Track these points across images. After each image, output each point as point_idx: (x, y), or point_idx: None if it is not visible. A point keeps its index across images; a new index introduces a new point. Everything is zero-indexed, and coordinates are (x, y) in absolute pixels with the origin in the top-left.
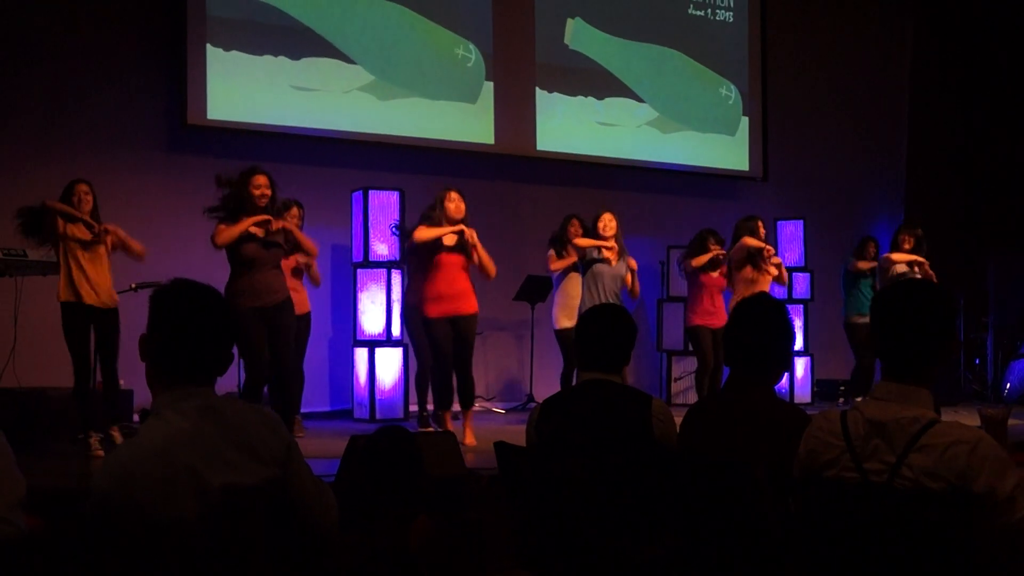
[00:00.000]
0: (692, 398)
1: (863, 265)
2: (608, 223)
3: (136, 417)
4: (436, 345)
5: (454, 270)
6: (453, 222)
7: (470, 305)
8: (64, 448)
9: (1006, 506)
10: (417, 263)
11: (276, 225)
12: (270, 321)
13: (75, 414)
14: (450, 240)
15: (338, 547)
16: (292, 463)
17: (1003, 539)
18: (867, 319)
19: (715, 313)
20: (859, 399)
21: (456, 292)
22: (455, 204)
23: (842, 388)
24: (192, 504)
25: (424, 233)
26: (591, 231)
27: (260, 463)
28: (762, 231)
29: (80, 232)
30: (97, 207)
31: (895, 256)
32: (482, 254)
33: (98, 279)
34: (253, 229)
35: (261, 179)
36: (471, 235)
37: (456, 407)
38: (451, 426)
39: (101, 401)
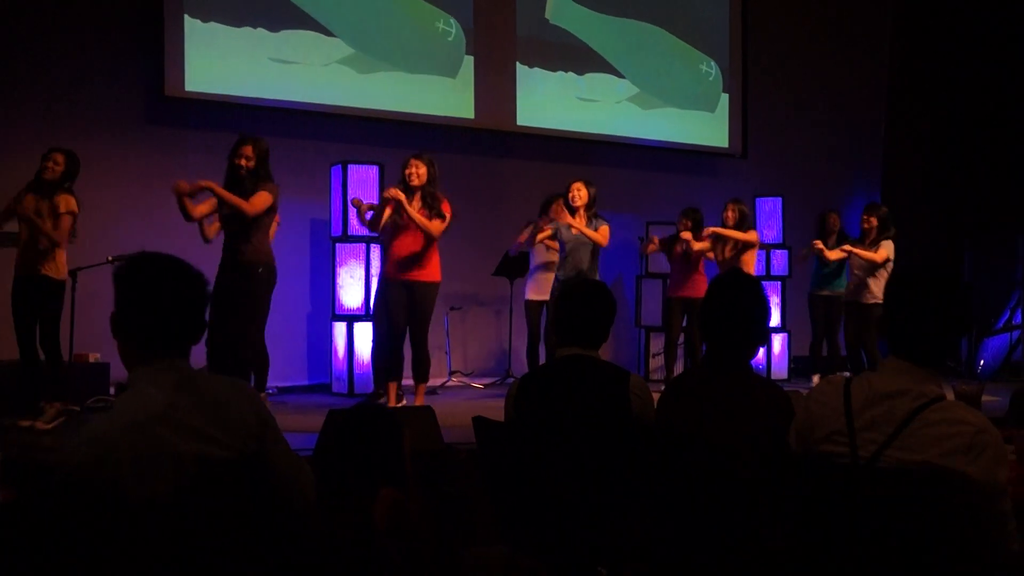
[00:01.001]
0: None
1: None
2: (577, 192)
3: (112, 391)
4: (386, 307)
5: (412, 237)
6: (411, 189)
7: (430, 273)
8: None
9: (996, 495)
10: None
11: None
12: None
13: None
14: (387, 211)
15: (314, 522)
16: (268, 437)
17: (987, 524)
18: (820, 291)
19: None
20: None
21: (412, 258)
22: (414, 171)
23: (792, 367)
24: (167, 477)
25: (363, 209)
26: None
27: (236, 437)
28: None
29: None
30: (68, 176)
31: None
32: (416, 218)
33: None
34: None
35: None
36: (400, 198)
37: (408, 381)
38: (393, 401)
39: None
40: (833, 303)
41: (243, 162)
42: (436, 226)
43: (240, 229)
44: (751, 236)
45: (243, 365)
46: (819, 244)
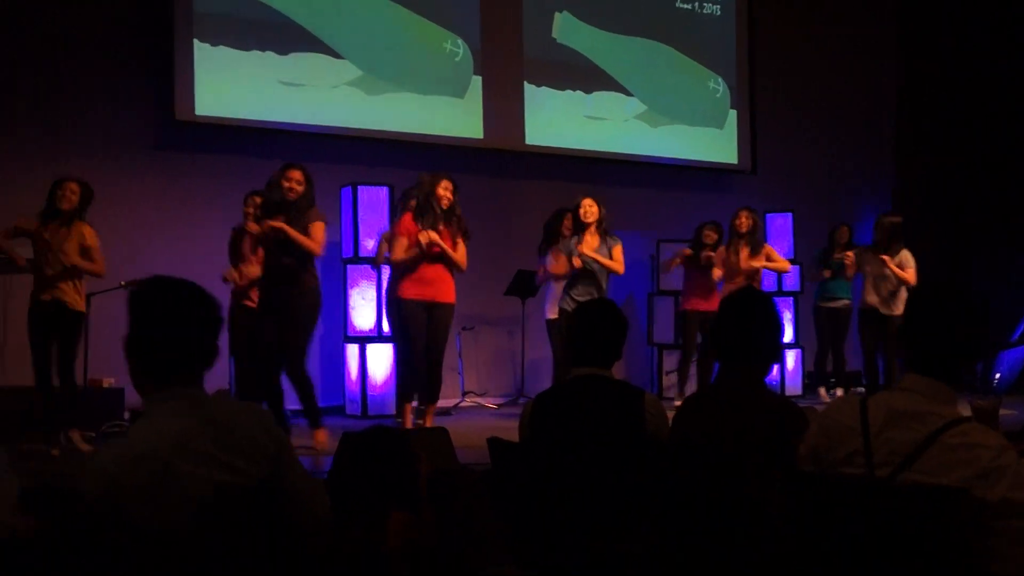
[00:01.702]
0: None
1: (821, 276)
2: (588, 208)
3: (127, 416)
4: (406, 327)
5: (432, 258)
6: (441, 212)
7: (447, 294)
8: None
9: (1015, 515)
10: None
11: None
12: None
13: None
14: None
15: (330, 543)
16: (284, 461)
17: (1004, 544)
18: (827, 304)
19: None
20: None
21: (434, 277)
22: (445, 194)
23: (807, 383)
24: (183, 506)
25: (398, 254)
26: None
27: (251, 462)
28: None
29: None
30: (84, 205)
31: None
32: (451, 256)
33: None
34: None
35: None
36: (430, 242)
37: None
38: (410, 422)
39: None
40: (839, 315)
41: (293, 186)
42: (463, 256)
43: (297, 253)
44: (785, 264)
45: (303, 382)
46: (851, 255)
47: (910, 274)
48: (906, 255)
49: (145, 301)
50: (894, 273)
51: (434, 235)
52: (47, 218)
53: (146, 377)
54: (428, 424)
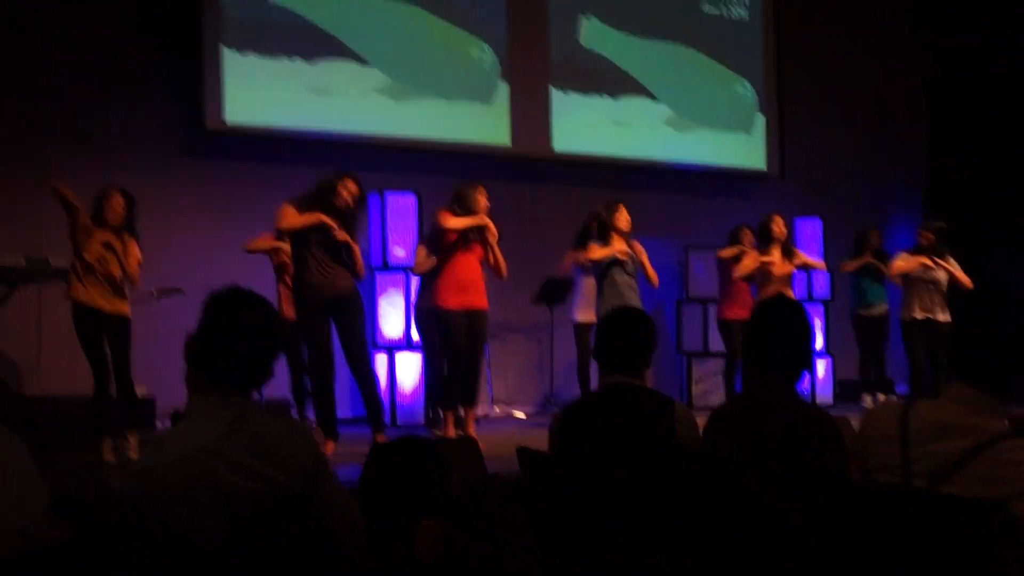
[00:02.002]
0: (713, 400)
1: (849, 266)
2: (627, 217)
3: (159, 424)
4: (454, 338)
5: (472, 261)
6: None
7: (482, 300)
8: (89, 455)
9: None
10: (433, 250)
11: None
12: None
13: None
14: (479, 223)
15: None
16: (321, 477)
17: None
18: (867, 311)
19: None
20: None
21: (472, 283)
22: (485, 199)
23: (837, 391)
24: (218, 513)
25: (455, 222)
26: (609, 224)
27: (290, 476)
28: (776, 228)
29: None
30: (131, 218)
31: (899, 264)
32: (498, 254)
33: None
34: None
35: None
36: (493, 234)
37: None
38: (452, 432)
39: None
40: (878, 322)
41: (347, 196)
42: (506, 268)
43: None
44: (822, 264)
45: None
46: (927, 261)
47: (966, 278)
48: (953, 261)
49: (220, 306)
50: (956, 276)
51: (491, 225)
52: (100, 225)
53: (201, 378)
54: (471, 430)
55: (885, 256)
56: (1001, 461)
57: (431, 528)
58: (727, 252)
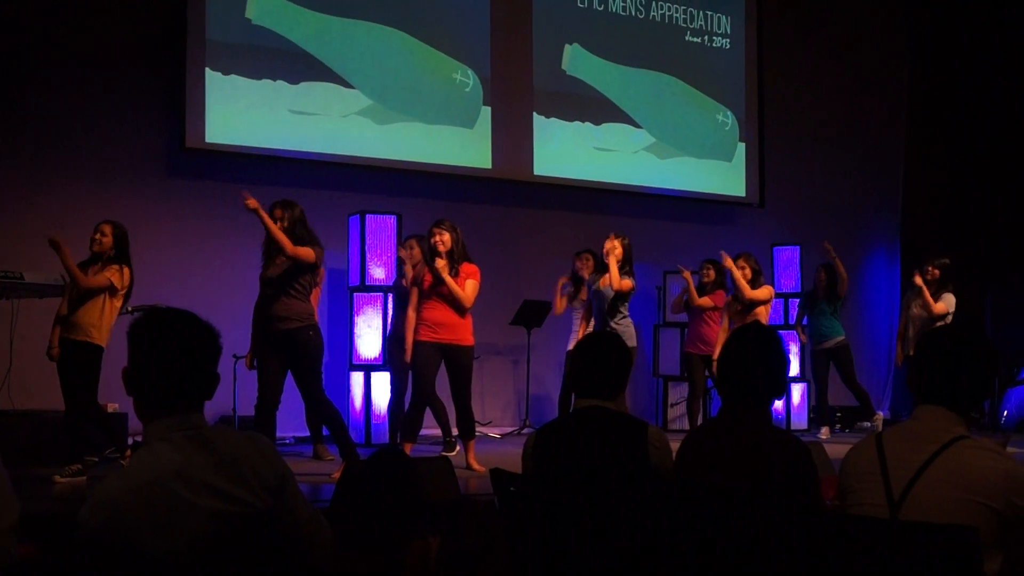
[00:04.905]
0: (689, 424)
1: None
2: (610, 249)
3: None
4: (416, 368)
5: (447, 300)
6: (438, 254)
7: (465, 337)
8: (58, 472)
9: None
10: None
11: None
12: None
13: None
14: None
15: (333, 573)
16: (286, 493)
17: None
18: (825, 345)
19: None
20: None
21: (450, 322)
22: (438, 239)
23: (812, 417)
24: (183, 536)
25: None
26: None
27: (252, 493)
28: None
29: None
30: (119, 245)
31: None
32: (450, 286)
33: None
34: None
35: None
36: (439, 269)
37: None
38: (475, 462)
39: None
40: (833, 354)
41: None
42: (469, 293)
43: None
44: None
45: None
46: (919, 279)
47: (940, 306)
48: (949, 298)
49: (142, 333)
50: (927, 302)
51: (442, 262)
52: (88, 263)
53: (146, 406)
54: (472, 460)
55: (835, 287)
56: (965, 460)
57: (422, 547)
58: (704, 301)
